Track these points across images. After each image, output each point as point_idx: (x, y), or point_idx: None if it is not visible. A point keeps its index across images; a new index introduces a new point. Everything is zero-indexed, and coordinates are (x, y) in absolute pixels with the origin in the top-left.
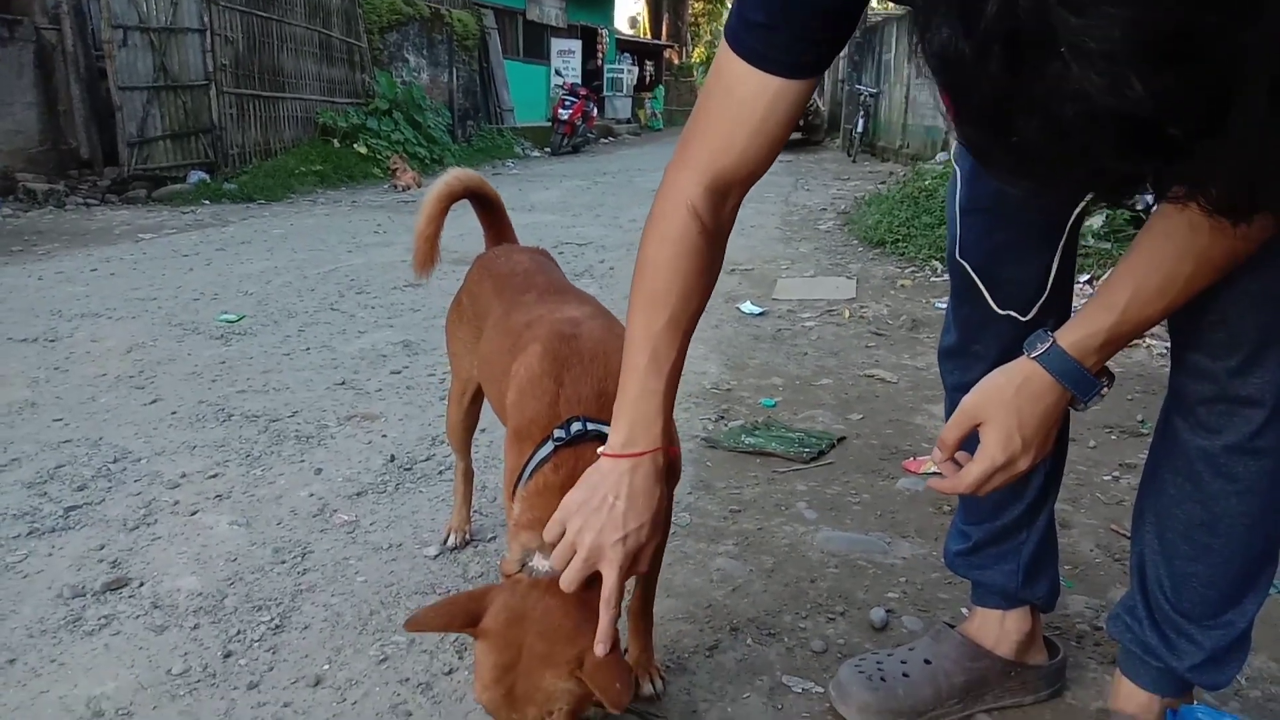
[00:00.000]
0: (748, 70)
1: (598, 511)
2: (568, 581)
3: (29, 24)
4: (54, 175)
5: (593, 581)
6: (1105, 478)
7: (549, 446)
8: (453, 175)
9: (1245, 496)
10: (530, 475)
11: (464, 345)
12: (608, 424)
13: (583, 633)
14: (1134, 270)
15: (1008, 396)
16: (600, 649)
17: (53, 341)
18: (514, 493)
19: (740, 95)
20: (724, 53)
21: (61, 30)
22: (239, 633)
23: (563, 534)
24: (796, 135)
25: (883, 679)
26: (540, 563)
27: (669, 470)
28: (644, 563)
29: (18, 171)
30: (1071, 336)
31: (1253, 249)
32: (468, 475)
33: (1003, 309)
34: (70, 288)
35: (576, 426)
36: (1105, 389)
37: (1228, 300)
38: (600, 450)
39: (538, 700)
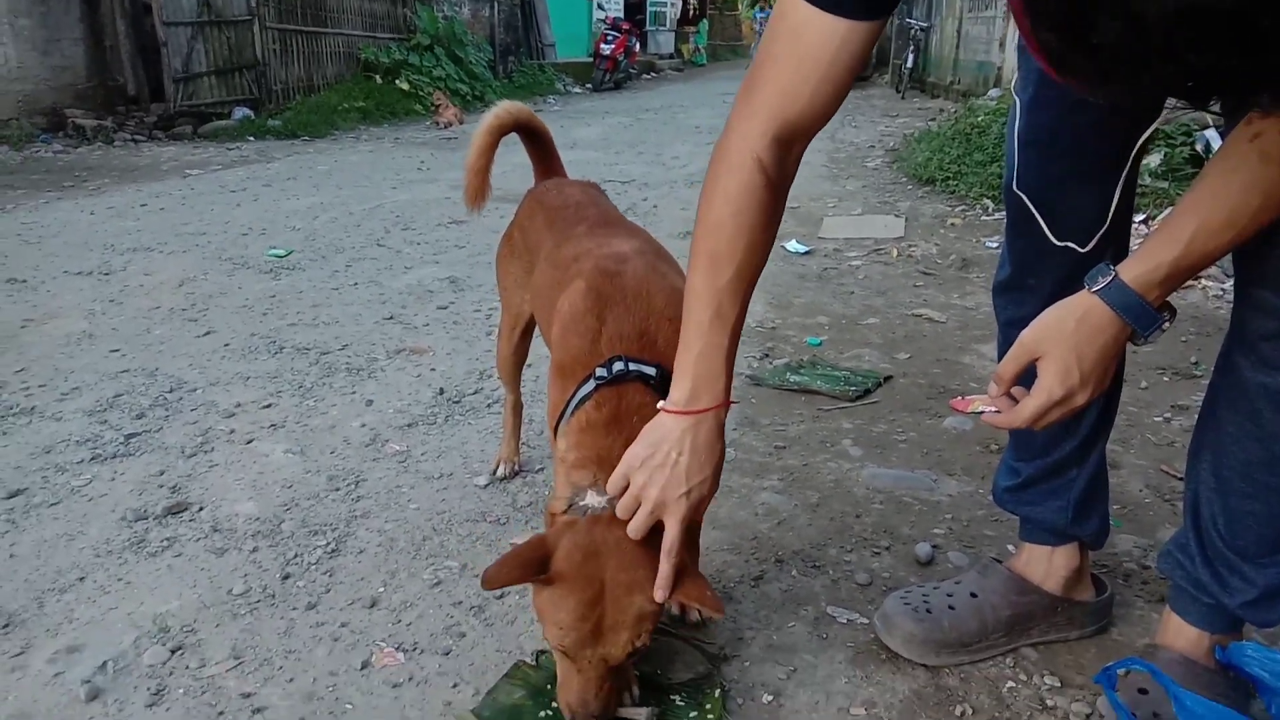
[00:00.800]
0: (815, 13)
1: (662, 468)
2: (635, 530)
3: None
4: (102, 111)
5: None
6: (1156, 419)
7: (591, 385)
8: (502, 108)
9: None
10: (573, 412)
11: (515, 279)
12: (649, 364)
13: (650, 559)
14: (1200, 202)
15: (1067, 330)
16: (660, 594)
17: (107, 275)
18: (557, 426)
19: (808, 39)
20: (793, 7)
21: None
22: (296, 556)
23: (626, 486)
24: None
25: (928, 610)
26: (594, 499)
27: None
28: (703, 511)
29: (66, 108)
30: (1134, 270)
31: None
32: (517, 408)
33: (1060, 240)
34: (121, 222)
35: (619, 366)
36: (1167, 323)
37: None
38: (662, 406)
39: (630, 625)
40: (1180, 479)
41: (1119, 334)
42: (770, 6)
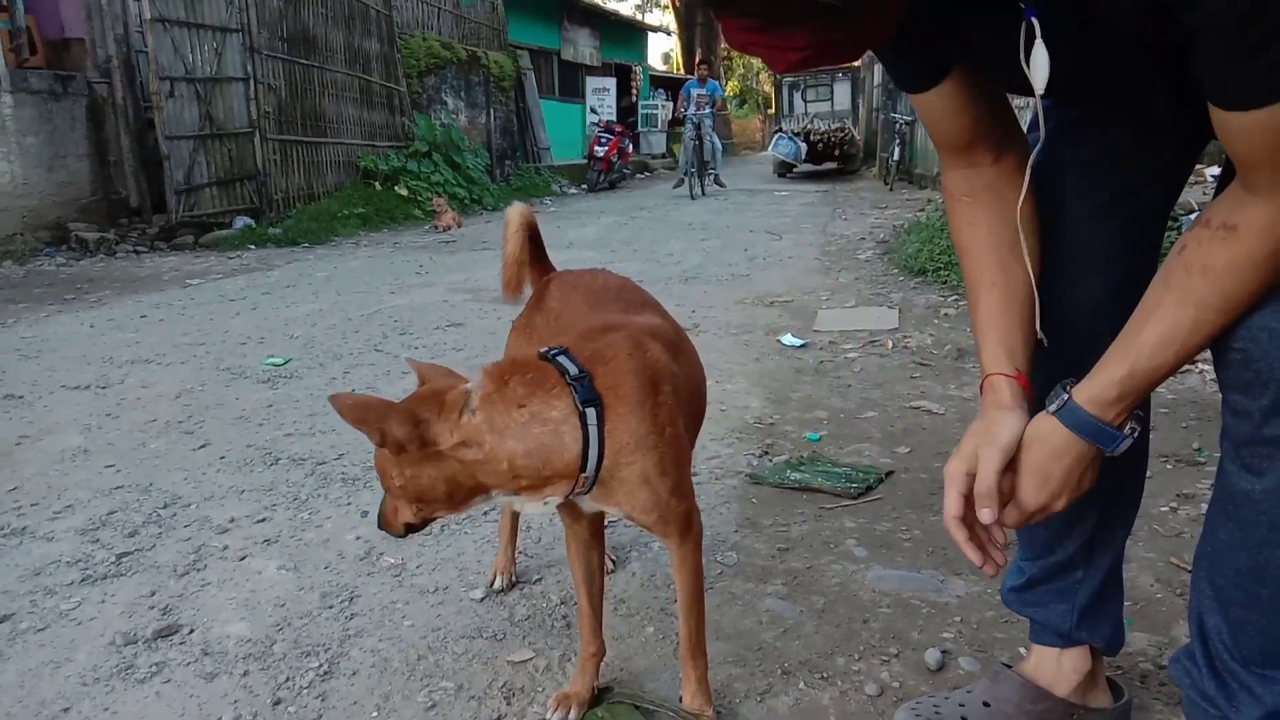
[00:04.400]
0: (914, 98)
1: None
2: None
3: (81, 78)
4: (104, 224)
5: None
6: (1163, 508)
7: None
8: (519, 206)
9: None
10: None
11: None
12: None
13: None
14: (1140, 320)
15: (1034, 452)
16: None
17: (104, 388)
18: None
19: (925, 110)
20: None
21: (112, 84)
22: (288, 679)
23: None
24: (831, 164)
25: None
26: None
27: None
28: None
29: (70, 221)
30: (1088, 392)
31: (1244, 287)
32: (513, 514)
33: (1059, 334)
34: (121, 334)
35: (554, 352)
36: (1130, 439)
37: (1248, 338)
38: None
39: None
40: (1190, 570)
41: (1083, 453)
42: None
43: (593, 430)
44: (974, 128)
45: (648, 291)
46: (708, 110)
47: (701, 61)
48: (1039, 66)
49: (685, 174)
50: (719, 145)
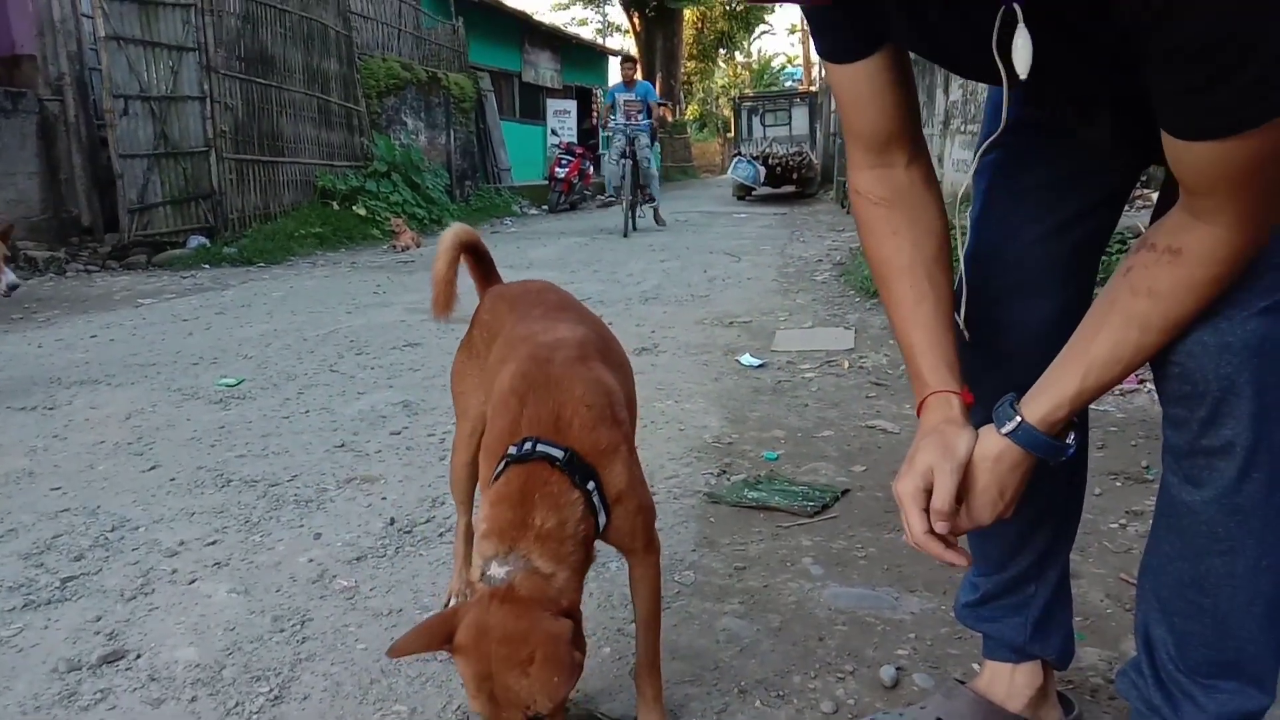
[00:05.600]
0: (834, 70)
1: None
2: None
3: (32, 96)
4: (55, 243)
5: (542, 591)
6: (1112, 525)
7: (502, 463)
8: (457, 226)
9: (1228, 556)
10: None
11: (473, 383)
12: (559, 446)
13: (533, 634)
14: (1087, 339)
15: (986, 468)
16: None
17: (51, 409)
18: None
19: (839, 89)
20: (826, 70)
21: (64, 101)
22: (237, 705)
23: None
24: (789, 187)
25: None
26: (496, 570)
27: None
28: None
29: (19, 240)
30: (1038, 411)
31: (1187, 309)
32: (468, 534)
33: (999, 356)
34: (70, 355)
35: (527, 446)
36: (1073, 448)
37: (1185, 353)
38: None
39: (514, 701)
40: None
41: (1032, 465)
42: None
43: (595, 496)
44: (895, 116)
45: (569, 293)
46: (644, 121)
47: (627, 60)
48: (1021, 51)
49: (623, 204)
50: (655, 165)
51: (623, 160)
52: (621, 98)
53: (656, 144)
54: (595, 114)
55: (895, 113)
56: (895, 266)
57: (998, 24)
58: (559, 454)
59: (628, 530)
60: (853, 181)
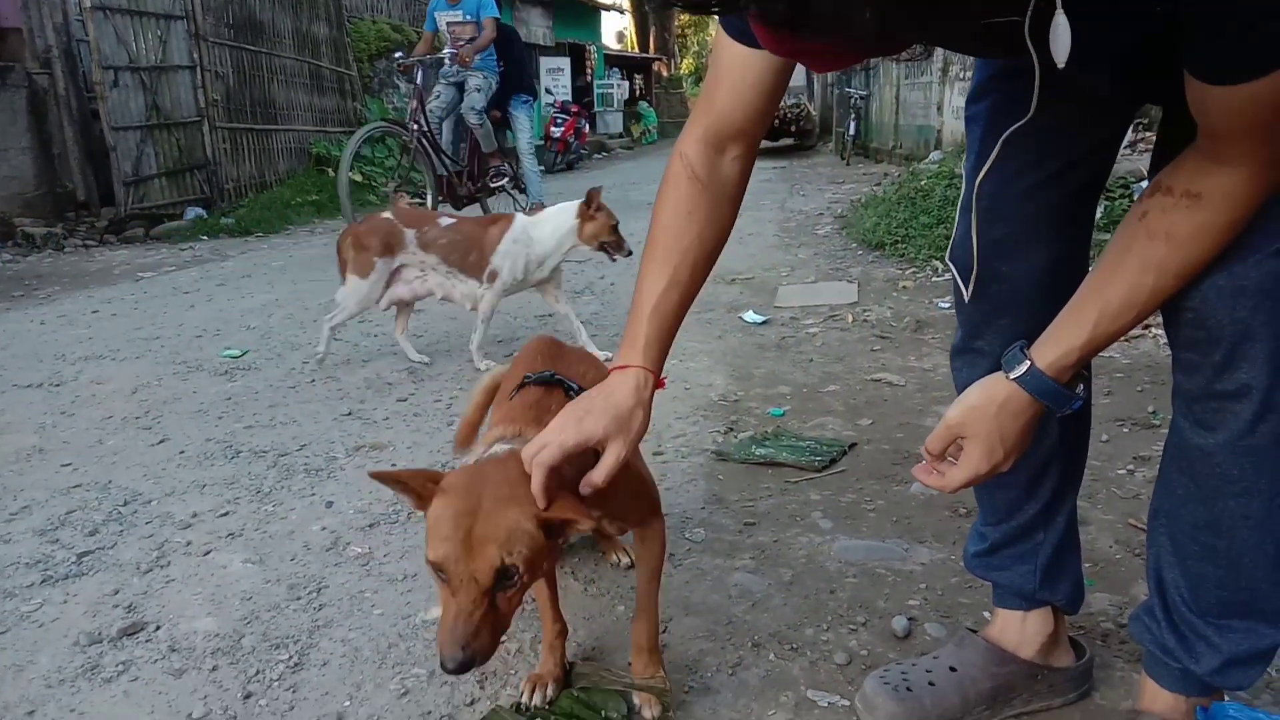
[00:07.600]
0: (729, 43)
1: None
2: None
3: (20, 70)
4: (51, 218)
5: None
6: (1120, 471)
7: (518, 388)
8: (494, 371)
9: (1243, 498)
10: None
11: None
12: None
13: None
14: (1100, 285)
15: (989, 414)
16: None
17: (58, 386)
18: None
19: (723, 63)
20: (717, 34)
21: (53, 74)
22: (258, 673)
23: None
24: (788, 140)
25: (908, 689)
26: (499, 448)
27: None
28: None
29: (15, 216)
30: (1048, 357)
31: (1205, 254)
32: None
33: (1000, 304)
34: (73, 330)
35: (547, 374)
36: (1081, 399)
37: (1199, 298)
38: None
39: (498, 539)
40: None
41: (1038, 413)
42: None
43: None
44: (757, 114)
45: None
46: (477, 62)
47: None
48: (1061, 37)
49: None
50: (529, 147)
51: (441, 124)
52: (443, 18)
53: (529, 100)
54: (589, 71)
55: (759, 110)
56: (674, 242)
57: (1030, 8)
58: (574, 385)
59: (632, 509)
60: (682, 142)
